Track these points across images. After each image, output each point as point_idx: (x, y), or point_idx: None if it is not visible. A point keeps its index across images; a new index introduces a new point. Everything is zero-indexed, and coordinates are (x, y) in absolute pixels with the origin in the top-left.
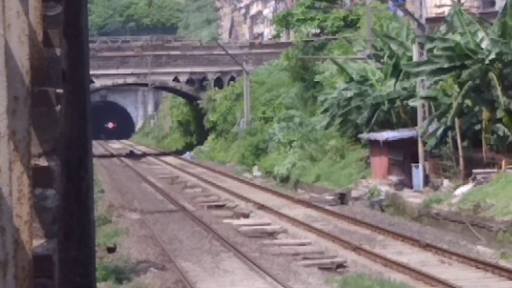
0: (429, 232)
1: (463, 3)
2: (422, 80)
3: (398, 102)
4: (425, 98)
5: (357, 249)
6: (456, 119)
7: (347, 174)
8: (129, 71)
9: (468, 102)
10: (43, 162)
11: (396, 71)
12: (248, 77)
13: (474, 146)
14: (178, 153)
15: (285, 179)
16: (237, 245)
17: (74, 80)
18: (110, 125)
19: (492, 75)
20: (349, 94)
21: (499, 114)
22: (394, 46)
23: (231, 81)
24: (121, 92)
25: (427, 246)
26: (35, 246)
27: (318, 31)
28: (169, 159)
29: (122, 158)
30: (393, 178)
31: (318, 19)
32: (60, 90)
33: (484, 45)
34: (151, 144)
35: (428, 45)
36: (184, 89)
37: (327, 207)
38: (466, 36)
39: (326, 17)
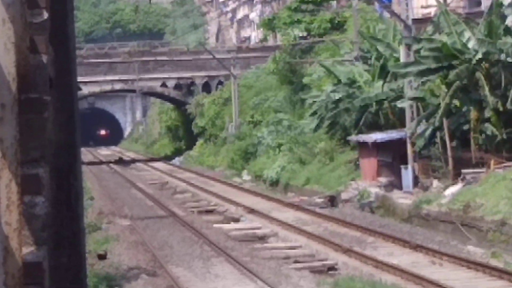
0: (419, 233)
1: (449, 4)
2: (410, 81)
3: (386, 104)
4: (413, 99)
5: (348, 251)
6: (444, 120)
7: (337, 176)
8: (116, 77)
9: (456, 102)
10: (31, 169)
11: (383, 73)
12: (236, 81)
13: (462, 146)
14: (167, 158)
15: (274, 183)
16: (228, 249)
17: (62, 86)
18: (103, 132)
19: (479, 74)
20: (337, 96)
21: (487, 113)
22: (381, 48)
23: (219, 86)
24: (109, 98)
25: (417, 247)
26: (24, 254)
27: (305, 34)
28: (158, 164)
29: (111, 165)
30: (383, 180)
31: (305, 21)
32: (47, 97)
33: (470, 45)
34: (140, 150)
35: (415, 46)
36: (172, 94)
37: (317, 210)
38: (453, 36)
39: (313, 20)
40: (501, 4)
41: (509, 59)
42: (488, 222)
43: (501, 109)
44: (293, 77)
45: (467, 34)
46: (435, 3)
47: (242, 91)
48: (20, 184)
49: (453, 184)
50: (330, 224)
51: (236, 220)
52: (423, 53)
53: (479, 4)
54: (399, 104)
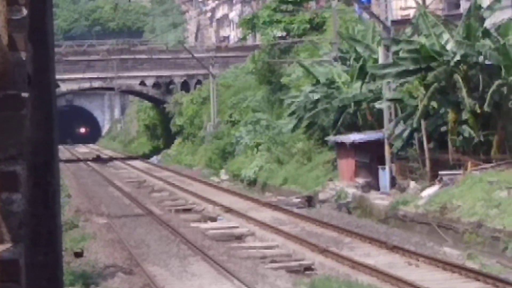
0: (396, 234)
1: (428, 6)
2: (388, 82)
3: (364, 105)
4: (391, 100)
5: (324, 251)
6: (422, 121)
7: (314, 176)
8: (95, 75)
9: (433, 104)
10: (9, 166)
11: (362, 74)
12: (215, 80)
13: (440, 147)
14: (145, 157)
15: (252, 182)
16: (205, 248)
17: (40, 84)
18: (83, 130)
19: (457, 77)
20: (316, 96)
21: (465, 115)
22: (360, 49)
23: (197, 85)
24: (88, 96)
25: (394, 248)
26: (1, 251)
27: (284, 33)
28: (136, 163)
29: (89, 163)
30: (360, 180)
31: (284, 21)
32: (25, 94)
33: (449, 47)
34: (118, 148)
35: (393, 48)
36: (151, 93)
37: (295, 210)
38: (431, 38)
39: (292, 20)
40: (480, 7)
41: (487, 62)
42: (464, 224)
43: (478, 111)
44: (271, 77)
45: (446, 36)
46: (414, 5)
47: (220, 91)
48: None
49: (430, 186)
50: (307, 224)
51: (213, 219)
52: (401, 54)
53: (458, 6)
54: (377, 105)
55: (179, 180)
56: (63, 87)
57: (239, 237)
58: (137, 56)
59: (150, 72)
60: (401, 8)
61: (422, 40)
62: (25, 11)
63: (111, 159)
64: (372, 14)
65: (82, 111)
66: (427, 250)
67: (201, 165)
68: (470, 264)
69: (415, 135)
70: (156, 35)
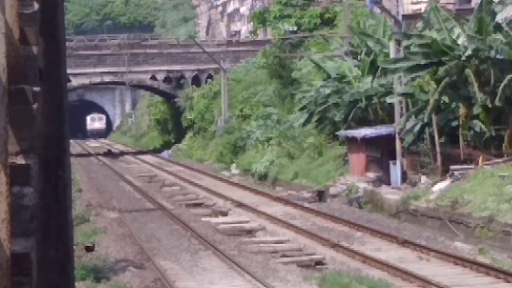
0: (407, 229)
1: (439, 0)
2: (399, 77)
3: (375, 99)
4: (402, 94)
5: (335, 246)
6: (433, 116)
7: (325, 171)
8: (106, 69)
9: (445, 98)
10: (20, 160)
11: (373, 68)
12: (226, 75)
13: (451, 142)
14: (156, 151)
15: (263, 177)
16: (216, 243)
17: (51, 78)
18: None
19: (468, 71)
20: (327, 91)
21: (476, 110)
22: (371, 43)
23: (208, 79)
24: (99, 90)
25: (405, 243)
26: (13, 244)
27: (295, 28)
28: (147, 157)
29: (100, 157)
30: (371, 175)
31: (295, 16)
32: (37, 88)
33: (460, 41)
34: (129, 143)
35: (405, 42)
36: (162, 87)
37: (306, 205)
38: (443, 32)
39: (303, 15)
40: (491, 1)
41: (498, 56)
42: (475, 219)
43: (489, 106)
44: (282, 72)
45: (457, 30)
46: None
47: (231, 85)
48: (9, 174)
49: (441, 180)
50: (318, 218)
51: (224, 214)
52: (413, 49)
53: (469, 1)
54: (388, 99)
55: (190, 175)
56: (74, 82)
57: (250, 232)
58: (148, 51)
59: (161, 66)
60: (413, 3)
61: (434, 34)
62: (36, 5)
63: (122, 153)
64: (383, 9)
65: (93, 105)
66: (438, 245)
67: (212, 160)
68: (481, 258)
69: (426, 129)
70: (167, 29)
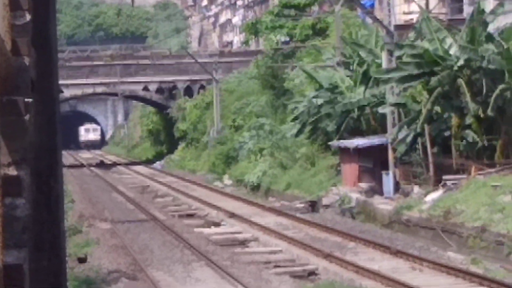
0: (400, 239)
1: (431, 10)
2: (392, 87)
3: (368, 109)
4: (395, 105)
5: (328, 256)
6: (425, 126)
7: (318, 181)
8: (98, 80)
9: (437, 108)
10: (12, 171)
11: (365, 79)
12: (218, 85)
13: (443, 152)
14: (148, 162)
15: (256, 187)
16: (209, 253)
17: (43, 89)
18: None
19: (460, 81)
20: (319, 101)
21: (468, 120)
22: (363, 54)
23: (201, 90)
24: (91, 101)
25: (398, 253)
26: (5, 256)
27: (287, 39)
28: (140, 168)
29: (92, 168)
30: (364, 185)
31: (287, 27)
32: (29, 99)
33: (452, 51)
34: (122, 154)
35: (397, 52)
36: (154, 98)
37: (298, 215)
38: (435, 42)
39: (295, 25)
40: (483, 11)
41: (490, 66)
42: (468, 229)
43: (482, 115)
44: (275, 82)
45: (449, 40)
46: (417, 9)
47: (224, 96)
48: (1, 186)
49: (434, 190)
50: (311, 229)
51: (217, 225)
52: (405, 59)
53: (461, 11)
54: (381, 110)
55: (182, 185)
56: (67, 93)
57: (243, 242)
58: (140, 62)
59: (153, 77)
60: (405, 13)
61: (426, 44)
62: (28, 16)
63: (114, 164)
64: (375, 19)
65: (86, 116)
66: (431, 255)
67: (205, 170)
68: (474, 268)
69: (419, 139)
70: (159, 40)
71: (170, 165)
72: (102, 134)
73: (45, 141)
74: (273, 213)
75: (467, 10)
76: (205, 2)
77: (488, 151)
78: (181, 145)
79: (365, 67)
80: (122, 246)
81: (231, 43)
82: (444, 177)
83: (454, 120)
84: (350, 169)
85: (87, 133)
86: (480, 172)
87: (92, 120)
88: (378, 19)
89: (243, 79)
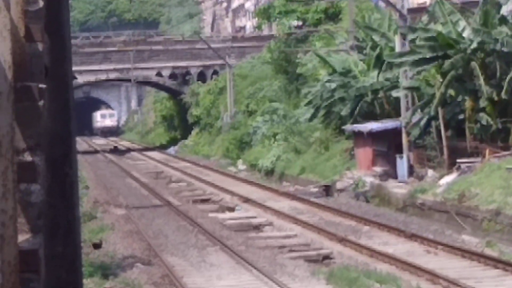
0: (414, 222)
1: None
2: (405, 71)
3: (381, 93)
4: (408, 88)
5: (343, 240)
6: (439, 109)
7: (332, 166)
8: (111, 66)
9: (451, 92)
10: (27, 157)
11: (378, 62)
12: (231, 70)
13: (457, 135)
14: (162, 148)
15: (269, 172)
16: (223, 238)
17: (57, 75)
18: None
19: (474, 64)
20: (333, 86)
21: (482, 103)
22: (376, 37)
23: (214, 75)
24: (104, 87)
25: (412, 236)
26: (20, 241)
27: (300, 23)
28: (154, 154)
29: (106, 154)
30: (378, 169)
31: (300, 11)
32: (42, 85)
33: (466, 34)
34: (135, 139)
35: (410, 36)
36: (167, 83)
37: (312, 199)
38: (448, 26)
39: (308, 10)
40: None
41: (504, 49)
42: (483, 212)
43: (496, 98)
44: (288, 67)
45: (462, 23)
46: None
47: (237, 81)
48: (16, 172)
49: (448, 174)
50: (325, 213)
51: (231, 209)
52: (418, 42)
53: None
54: (394, 93)
55: (196, 171)
56: (80, 79)
57: (257, 227)
58: (154, 47)
59: (166, 63)
60: None
61: (439, 28)
62: (41, 2)
63: (128, 150)
64: (388, 3)
65: (99, 102)
66: (445, 238)
67: (218, 156)
68: (489, 251)
69: (433, 123)
70: (172, 26)
71: (184, 150)
72: (119, 119)
73: (59, 128)
74: (287, 198)
75: None
76: None
77: (502, 134)
78: (195, 131)
79: (378, 50)
80: (136, 232)
81: (244, 28)
82: (458, 160)
83: (468, 103)
84: (364, 153)
85: (104, 118)
86: (494, 155)
87: (106, 106)
88: (391, 2)
89: (256, 64)
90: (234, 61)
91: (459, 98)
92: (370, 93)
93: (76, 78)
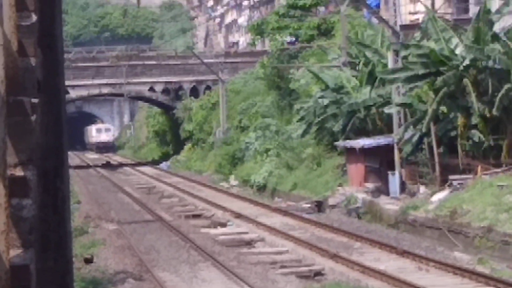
0: (406, 239)
1: (437, 10)
2: (398, 87)
3: (373, 109)
4: (401, 105)
5: (334, 256)
6: (431, 126)
7: (324, 182)
8: (104, 81)
9: (443, 108)
10: (19, 172)
11: (371, 79)
12: (224, 86)
13: (450, 152)
14: (154, 163)
15: (262, 188)
16: (215, 254)
17: (49, 90)
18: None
19: (466, 81)
20: (325, 102)
21: (474, 120)
22: (369, 54)
23: (206, 90)
24: (97, 102)
25: (404, 253)
26: (12, 256)
27: (293, 39)
28: (146, 169)
29: (99, 169)
30: (370, 185)
31: (293, 27)
32: (35, 100)
33: (458, 51)
34: (128, 154)
35: (403, 52)
36: (160, 98)
37: (304, 215)
38: (441, 42)
39: (300, 25)
40: (489, 11)
41: (496, 66)
42: (475, 229)
43: (488, 115)
44: (281, 83)
45: (455, 40)
46: (423, 9)
47: (230, 96)
48: (7, 186)
49: (440, 190)
50: (317, 229)
51: (223, 225)
52: (411, 59)
53: (467, 10)
54: (387, 110)
55: (188, 186)
56: (73, 94)
57: (249, 243)
58: (146, 62)
59: (159, 78)
60: (410, 13)
61: (431, 44)
62: (34, 17)
63: (120, 165)
64: (381, 19)
65: (92, 117)
66: (437, 255)
67: (211, 171)
68: (480, 268)
69: (425, 139)
70: (165, 41)
71: (176, 165)
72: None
73: (51, 142)
74: (279, 214)
75: (473, 10)
76: (211, 3)
77: (494, 151)
78: (187, 146)
79: (370, 67)
80: (128, 247)
81: (237, 43)
82: (450, 177)
83: (460, 120)
84: (356, 169)
85: (99, 133)
86: (486, 172)
87: (99, 120)
88: (383, 19)
89: (249, 80)
90: (227, 76)
91: (452, 115)
92: (362, 109)
93: (68, 92)
